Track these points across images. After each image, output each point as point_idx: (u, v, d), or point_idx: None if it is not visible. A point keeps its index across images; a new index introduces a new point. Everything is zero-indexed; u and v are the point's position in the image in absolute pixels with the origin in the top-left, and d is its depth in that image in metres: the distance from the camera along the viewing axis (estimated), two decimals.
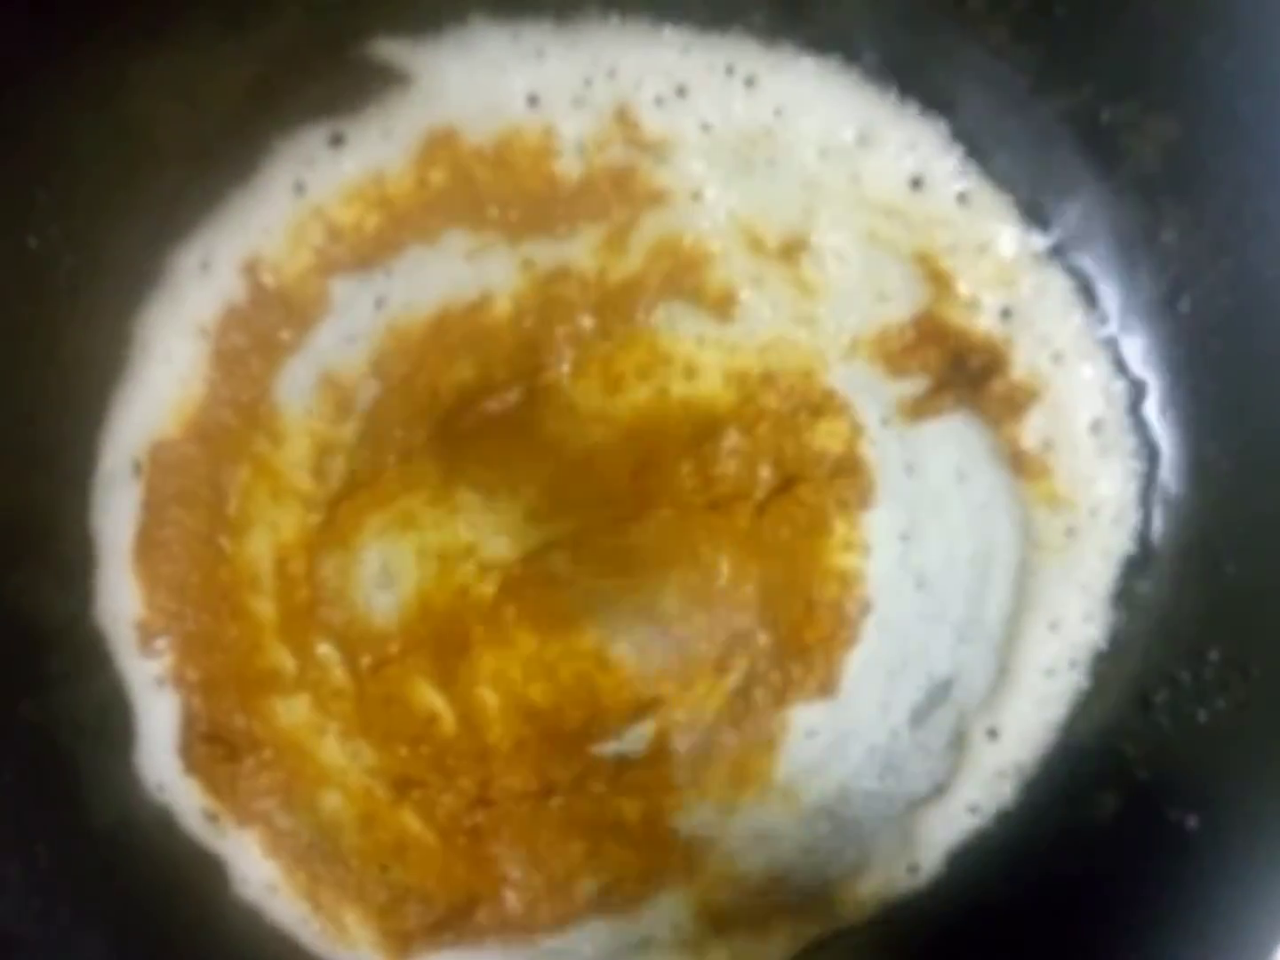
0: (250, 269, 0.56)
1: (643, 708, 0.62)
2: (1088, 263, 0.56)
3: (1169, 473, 0.58)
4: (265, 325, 0.57)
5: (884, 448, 0.60)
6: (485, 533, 0.60)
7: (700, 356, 0.58)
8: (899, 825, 0.63)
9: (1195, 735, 0.58)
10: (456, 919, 0.64)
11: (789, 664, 0.62)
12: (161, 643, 0.60)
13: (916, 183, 0.54)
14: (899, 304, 0.56)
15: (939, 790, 0.63)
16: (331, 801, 0.63)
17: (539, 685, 0.62)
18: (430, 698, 0.62)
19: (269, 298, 0.56)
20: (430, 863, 0.63)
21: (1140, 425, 0.58)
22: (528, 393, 0.59)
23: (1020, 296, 0.56)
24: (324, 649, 0.61)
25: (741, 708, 0.62)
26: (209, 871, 0.62)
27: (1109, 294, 0.56)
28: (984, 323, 0.56)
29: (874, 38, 0.53)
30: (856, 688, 0.62)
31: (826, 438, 0.59)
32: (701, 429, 0.59)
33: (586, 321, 0.58)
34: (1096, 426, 0.58)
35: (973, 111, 0.54)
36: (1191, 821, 0.58)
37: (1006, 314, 0.56)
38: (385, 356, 0.58)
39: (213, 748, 0.61)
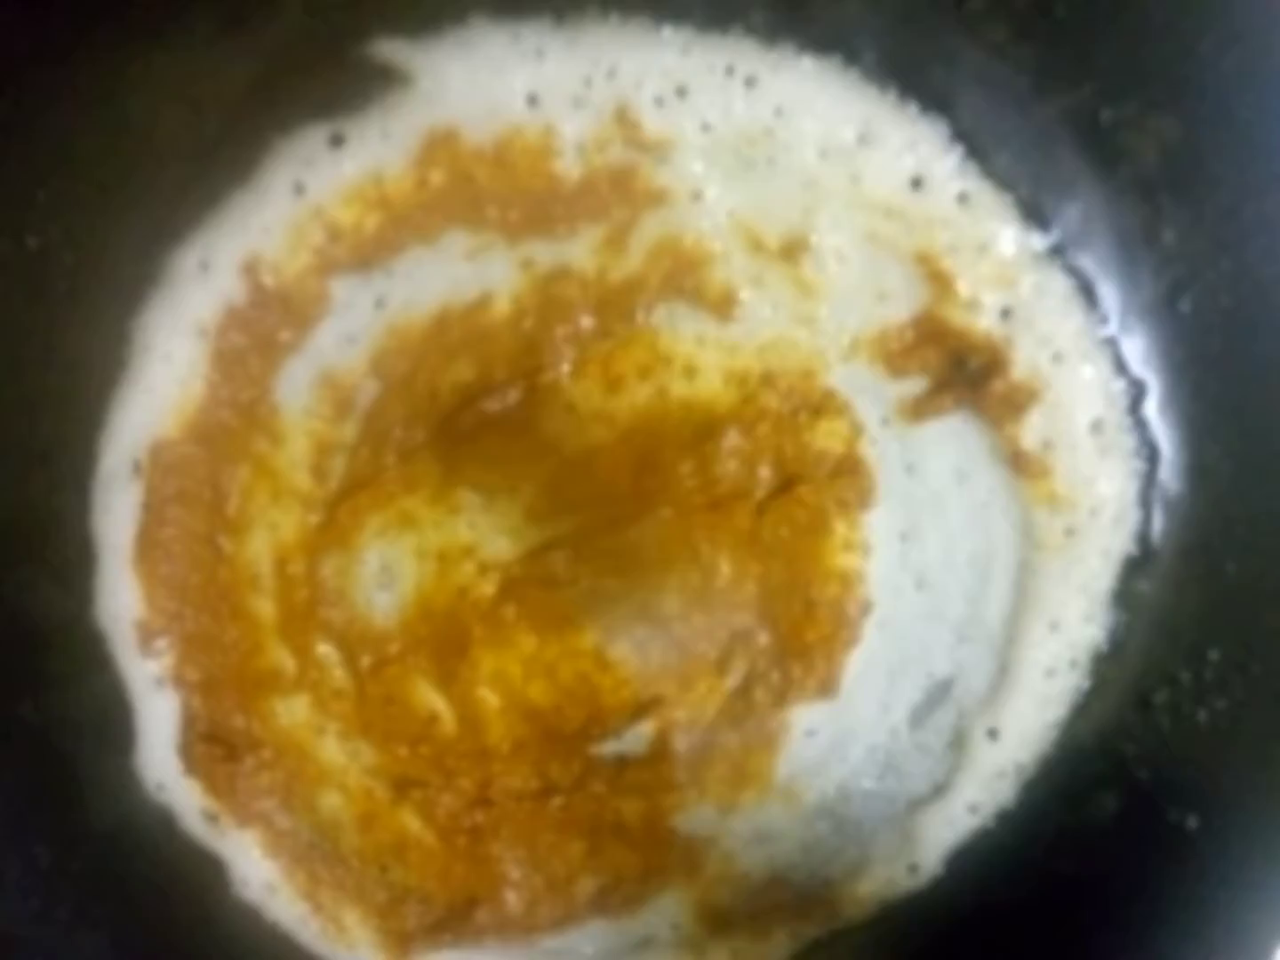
0: (250, 269, 0.56)
1: (643, 708, 0.62)
2: (1088, 263, 0.56)
3: (1169, 473, 0.58)
4: (265, 325, 0.57)
5: (884, 448, 0.60)
6: (485, 533, 0.60)
7: (700, 356, 0.58)
8: (899, 825, 0.63)
9: (1195, 735, 0.58)
10: (456, 919, 0.64)
11: (789, 664, 0.62)
12: (161, 643, 0.60)
13: (917, 183, 0.54)
14: (899, 304, 0.56)
15: (939, 790, 0.63)
16: (331, 802, 0.63)
17: (539, 685, 0.62)
18: (430, 698, 0.62)
19: (269, 298, 0.56)
20: (430, 863, 0.63)
21: (1140, 425, 0.58)
22: (527, 393, 0.59)
23: (1020, 296, 0.56)
24: (324, 649, 0.61)
25: (742, 708, 0.62)
26: (209, 872, 0.62)
27: (1109, 294, 0.56)
28: (984, 323, 0.56)
29: (874, 38, 0.53)
30: (856, 688, 0.62)
31: (826, 438, 0.59)
32: (701, 429, 0.59)
33: (586, 321, 0.58)
34: (1096, 426, 0.58)
35: (973, 111, 0.54)
36: (1191, 821, 0.58)
37: (1006, 314, 0.56)
38: (385, 356, 0.58)
39: (212, 748, 0.61)
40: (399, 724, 0.62)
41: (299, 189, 0.54)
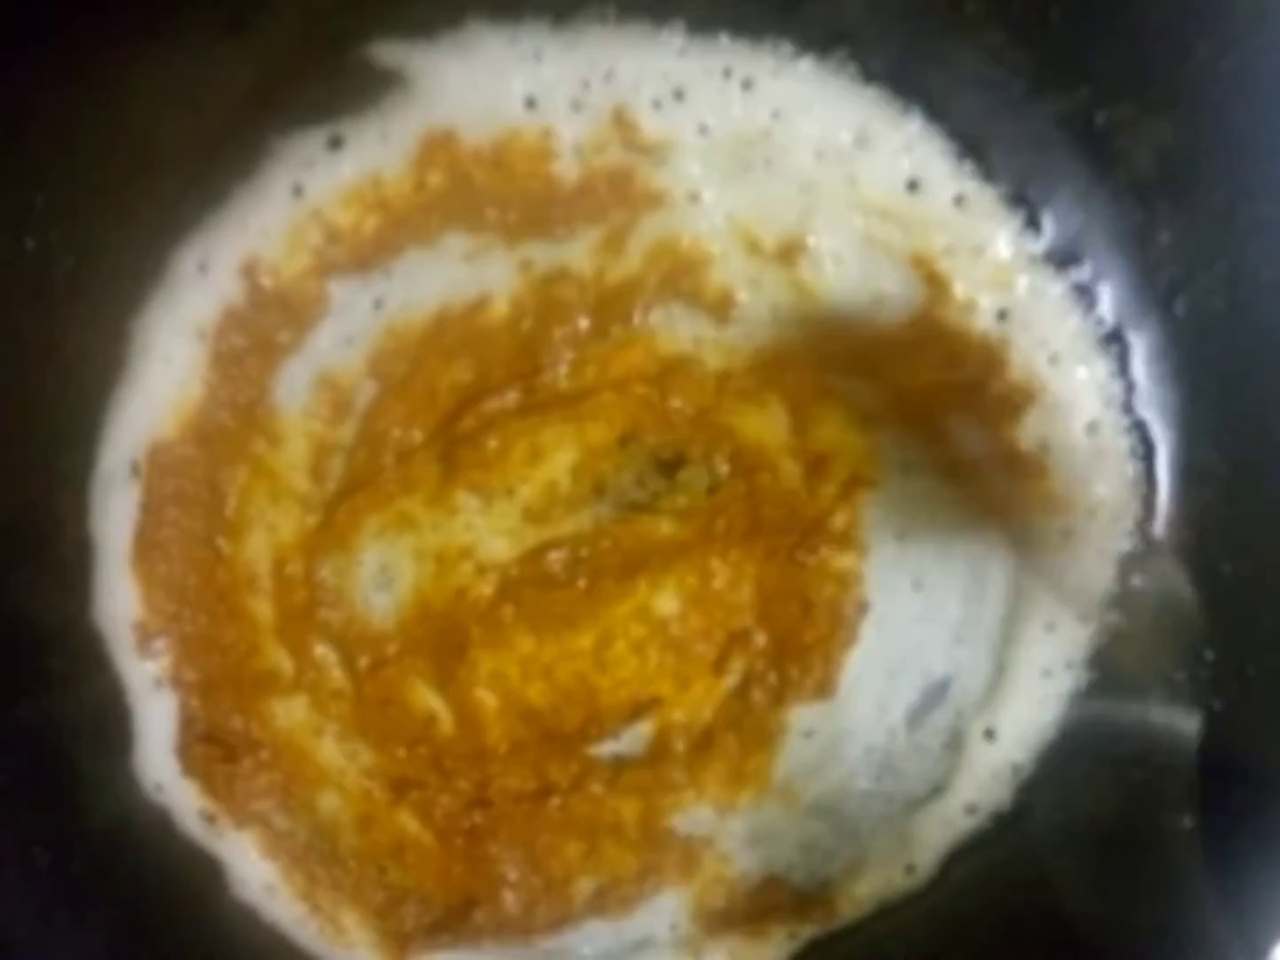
0: (249, 271, 0.56)
1: (640, 708, 0.62)
2: (1084, 265, 0.56)
3: (1165, 474, 0.58)
4: (264, 327, 0.57)
5: (881, 449, 0.60)
6: (483, 534, 0.60)
7: (698, 357, 0.58)
8: (896, 825, 0.63)
9: (1192, 735, 0.59)
10: (454, 919, 0.63)
11: (787, 665, 0.62)
12: (159, 644, 0.60)
13: (913, 185, 0.54)
14: (896, 306, 0.56)
15: (936, 791, 0.63)
16: (329, 802, 0.63)
17: (537, 686, 0.62)
18: (428, 699, 0.62)
19: (267, 299, 0.56)
20: (428, 863, 0.63)
21: (1136, 426, 0.58)
22: (526, 393, 0.59)
23: (1017, 298, 0.56)
24: (322, 650, 0.61)
25: (739, 708, 0.62)
26: (207, 872, 0.62)
27: (1105, 296, 0.56)
28: (981, 324, 0.56)
29: (871, 41, 0.53)
30: (854, 688, 0.62)
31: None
32: None
33: (584, 323, 0.58)
34: (1093, 428, 0.58)
35: (969, 114, 0.54)
36: (1188, 821, 0.58)
37: (1003, 316, 0.56)
38: (383, 358, 0.58)
39: (211, 749, 0.61)
40: (397, 725, 0.62)
41: (298, 191, 0.55)
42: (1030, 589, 0.60)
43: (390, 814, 0.62)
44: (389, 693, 0.61)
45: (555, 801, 0.62)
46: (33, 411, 0.56)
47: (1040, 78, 0.54)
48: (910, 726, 0.62)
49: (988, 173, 0.55)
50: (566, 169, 0.55)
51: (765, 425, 0.59)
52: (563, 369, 0.58)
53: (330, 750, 0.62)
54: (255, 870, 0.63)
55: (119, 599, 0.59)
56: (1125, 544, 0.59)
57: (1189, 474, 0.58)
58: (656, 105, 0.54)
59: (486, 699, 0.61)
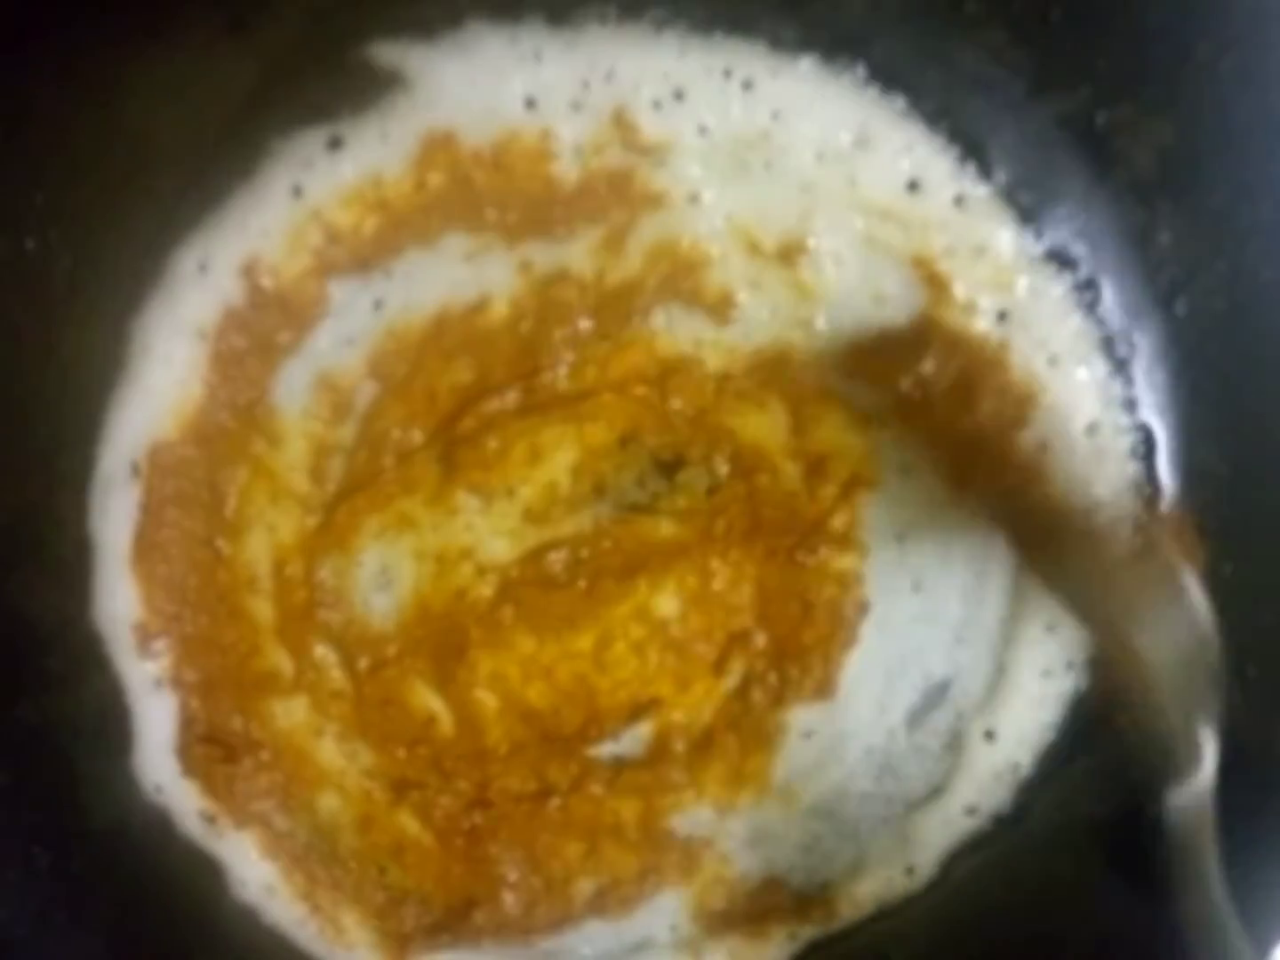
0: (249, 271, 0.56)
1: (640, 709, 0.62)
2: (1084, 265, 0.56)
3: (1165, 475, 0.58)
4: (263, 327, 0.57)
5: (881, 449, 0.60)
6: (483, 534, 0.60)
7: (698, 358, 0.58)
8: (896, 826, 0.63)
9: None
10: (454, 920, 0.63)
11: (787, 665, 0.62)
12: (159, 644, 0.60)
13: (913, 186, 0.54)
14: (896, 307, 0.56)
15: (936, 791, 0.63)
16: (329, 803, 0.63)
17: (537, 687, 0.62)
18: (428, 699, 0.62)
19: (267, 300, 0.56)
20: (428, 864, 0.63)
21: (1136, 427, 0.58)
22: (526, 394, 0.59)
23: (1017, 299, 0.56)
24: (322, 651, 0.61)
25: (739, 709, 0.62)
26: (207, 873, 0.62)
27: (1106, 296, 0.56)
28: (981, 325, 0.56)
29: (871, 41, 0.53)
30: (854, 689, 0.62)
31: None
32: None
33: (584, 324, 0.58)
34: (1093, 429, 0.58)
35: (970, 115, 0.54)
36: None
37: (1003, 316, 0.56)
38: (383, 358, 0.58)
39: (211, 749, 0.61)
40: (397, 725, 0.62)
41: (298, 191, 0.55)
42: (1030, 589, 0.60)
43: (390, 815, 0.62)
44: (389, 693, 0.61)
45: (555, 802, 0.62)
46: (32, 411, 0.56)
47: (1040, 78, 0.54)
48: (910, 727, 0.62)
49: (988, 173, 0.55)
50: (566, 170, 0.55)
51: (765, 426, 0.59)
52: (563, 370, 0.58)
53: (330, 751, 0.62)
54: (255, 871, 0.63)
55: (119, 599, 0.59)
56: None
57: (1189, 474, 0.58)
58: (656, 106, 0.54)
59: (486, 700, 0.61)
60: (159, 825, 0.61)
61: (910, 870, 0.64)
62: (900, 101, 0.54)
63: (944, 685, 0.62)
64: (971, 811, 0.63)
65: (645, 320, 0.58)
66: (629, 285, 0.57)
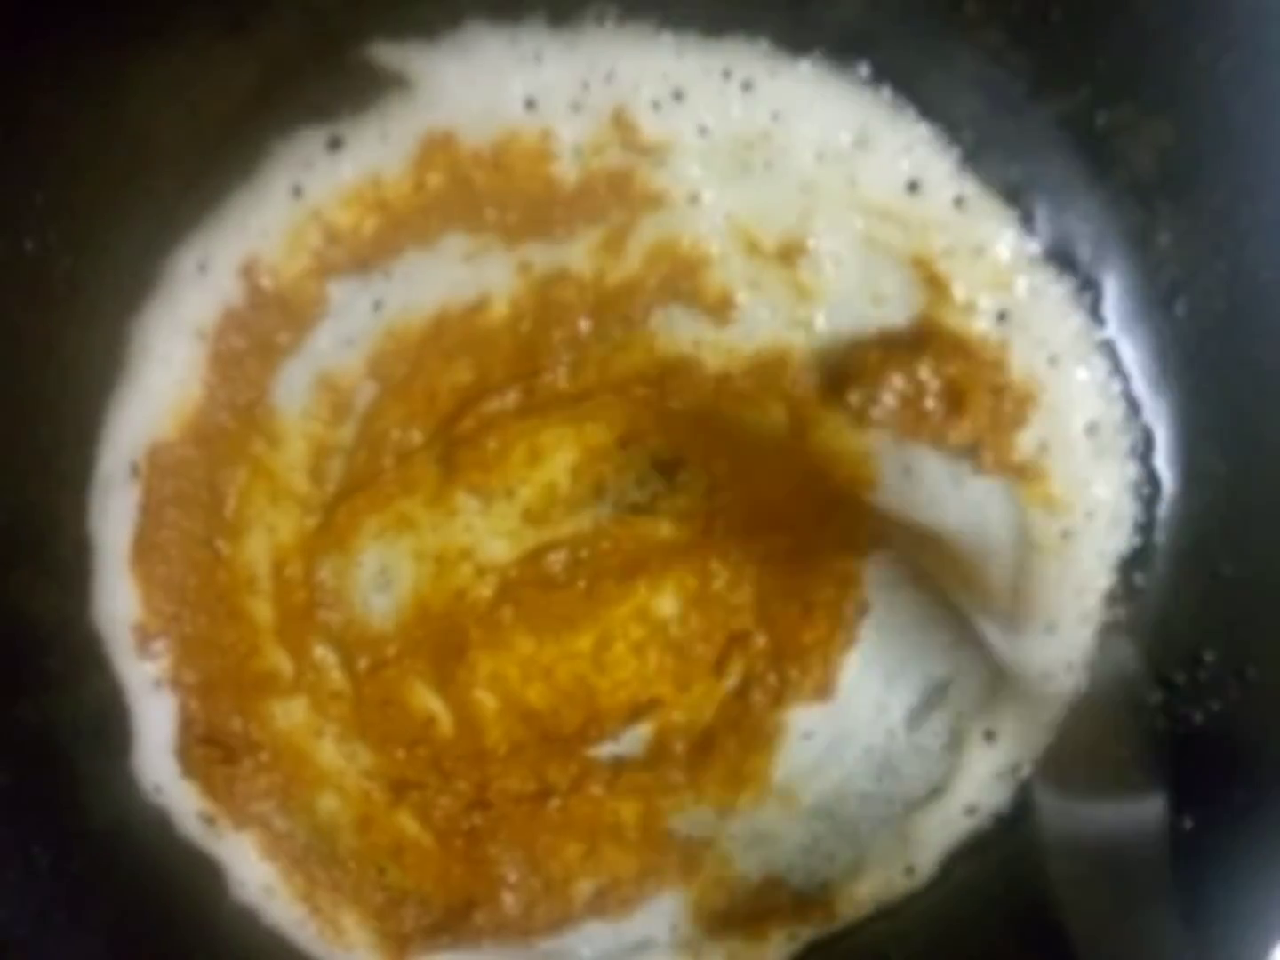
0: (248, 271, 0.56)
1: (640, 710, 0.62)
2: (1084, 266, 0.56)
3: (1165, 475, 0.58)
4: (263, 327, 0.57)
5: (881, 449, 0.60)
6: (482, 535, 0.60)
7: (697, 359, 0.58)
8: (896, 827, 0.63)
9: (1191, 737, 0.59)
10: (454, 921, 0.63)
11: (786, 666, 0.62)
12: (159, 645, 0.60)
13: (913, 186, 0.54)
14: (895, 307, 0.56)
15: (936, 792, 0.63)
16: (329, 804, 0.63)
17: (536, 687, 0.62)
18: (427, 700, 0.62)
19: (267, 300, 0.56)
20: (428, 865, 0.63)
21: (1136, 427, 0.58)
22: (525, 395, 0.59)
23: (1016, 299, 0.56)
24: (321, 651, 0.61)
25: (739, 709, 0.62)
26: (206, 874, 0.62)
27: (1105, 297, 0.56)
28: (980, 326, 0.56)
29: (871, 42, 0.53)
30: (854, 690, 0.62)
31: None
32: None
33: (584, 324, 0.58)
34: (1092, 429, 0.58)
35: (969, 115, 0.54)
36: (1187, 822, 0.58)
37: (1003, 317, 0.56)
38: (383, 359, 0.58)
39: (210, 750, 0.61)
40: (396, 726, 0.62)
41: (297, 191, 0.55)
42: (1029, 590, 0.60)
43: (390, 815, 0.62)
44: (388, 694, 0.61)
45: (555, 803, 0.62)
46: (32, 412, 0.56)
47: (1040, 78, 0.54)
48: (910, 728, 0.62)
49: (988, 173, 0.55)
50: (566, 170, 0.55)
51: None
52: (562, 370, 0.58)
53: (330, 751, 0.62)
54: (255, 871, 0.63)
55: (118, 600, 0.59)
56: (1124, 545, 0.59)
57: (1189, 475, 0.58)
58: (656, 106, 0.54)
59: (486, 700, 0.62)
60: (159, 826, 0.61)
61: (910, 870, 0.64)
62: (900, 102, 0.54)
63: (943, 686, 0.62)
64: (971, 811, 0.63)
65: (645, 320, 0.58)
66: (629, 285, 0.57)
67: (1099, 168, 0.54)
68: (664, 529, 0.60)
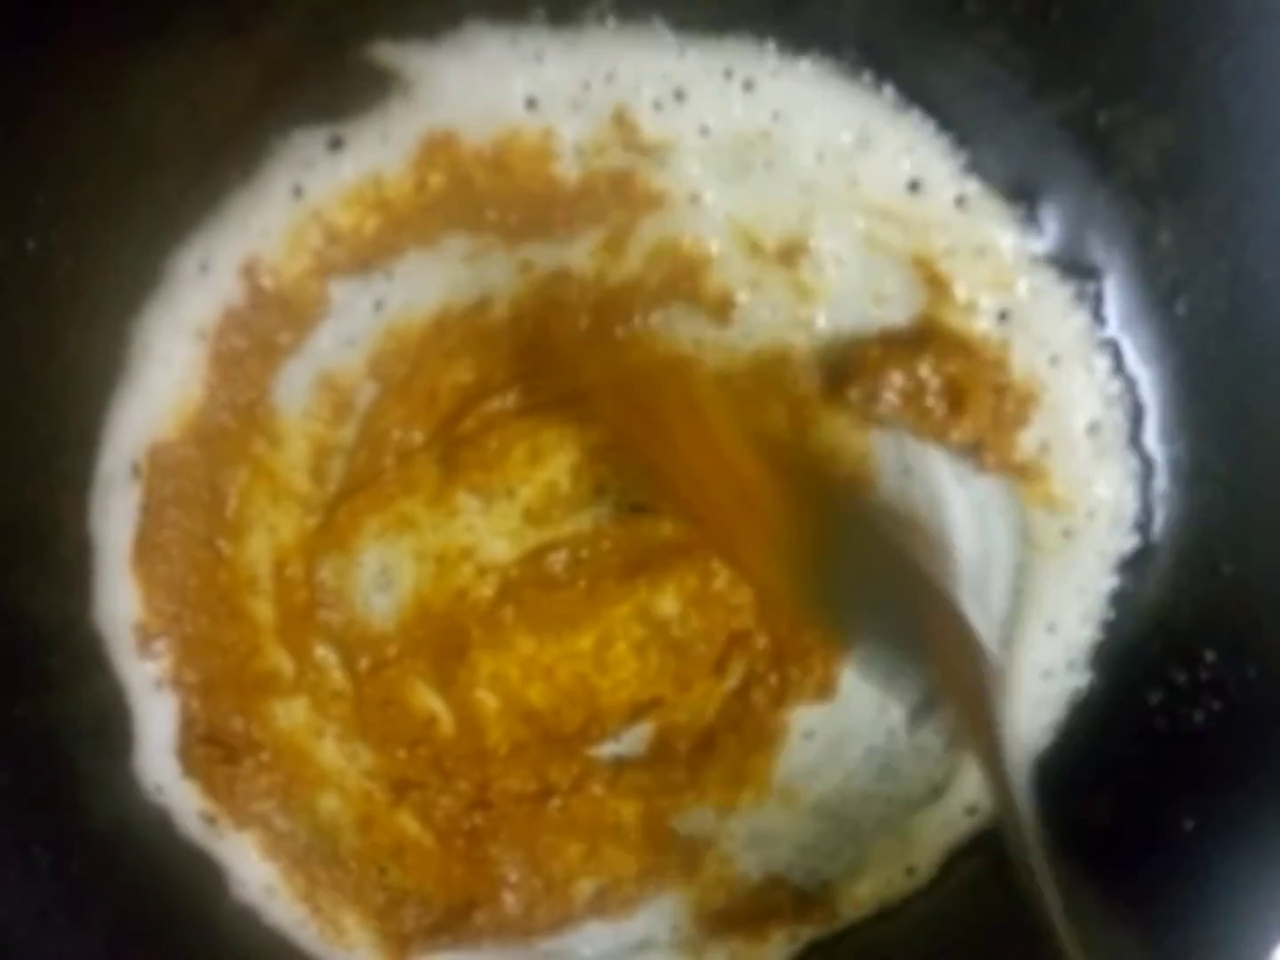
0: (249, 271, 0.56)
1: (641, 709, 0.62)
2: (1085, 265, 0.56)
3: (1166, 475, 0.58)
4: (264, 327, 0.57)
5: (881, 449, 0.60)
6: (483, 535, 0.60)
7: (698, 358, 0.58)
8: (897, 827, 0.63)
9: (1191, 736, 0.59)
10: (455, 921, 0.63)
11: (787, 666, 0.62)
12: (160, 645, 0.60)
13: (914, 186, 0.54)
14: (897, 307, 0.56)
15: (936, 792, 0.63)
16: (330, 803, 0.63)
17: (537, 687, 0.62)
18: (428, 700, 0.62)
19: (268, 300, 0.56)
20: (428, 865, 0.63)
21: (1137, 427, 0.58)
22: (526, 395, 0.59)
23: (1018, 299, 0.56)
24: (322, 651, 0.61)
25: (740, 709, 0.62)
26: (207, 874, 0.62)
27: (1106, 296, 0.56)
28: (982, 325, 0.56)
29: (872, 41, 0.53)
30: (854, 689, 0.62)
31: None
32: None
33: (584, 324, 0.58)
34: (1094, 429, 0.58)
35: (970, 114, 0.54)
36: (1188, 823, 0.58)
37: (1004, 317, 0.56)
38: (384, 359, 0.58)
39: (211, 750, 0.61)
40: (397, 726, 0.62)
41: (298, 191, 0.55)
42: (1031, 590, 0.60)
43: (391, 815, 0.62)
44: (389, 694, 0.61)
45: (556, 802, 0.62)
46: (33, 412, 0.56)
47: (1041, 78, 0.54)
48: (910, 728, 0.62)
49: (989, 173, 0.55)
50: (567, 170, 0.55)
51: (765, 426, 0.59)
52: (562, 370, 0.58)
53: (331, 751, 0.62)
54: (255, 871, 0.63)
55: (119, 600, 0.59)
56: (1125, 545, 0.59)
57: (1189, 474, 0.58)
58: (657, 106, 0.54)
59: (487, 700, 0.61)
60: (159, 826, 0.61)
61: (910, 870, 0.64)
62: (901, 101, 0.54)
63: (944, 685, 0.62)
64: (971, 811, 0.63)
65: (646, 321, 0.58)
66: (629, 285, 0.57)
67: (1100, 167, 0.54)
68: (664, 529, 0.60)
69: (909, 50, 0.54)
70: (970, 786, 0.63)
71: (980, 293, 0.56)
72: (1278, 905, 0.57)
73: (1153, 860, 0.59)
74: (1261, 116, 0.52)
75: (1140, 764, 0.60)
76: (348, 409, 0.58)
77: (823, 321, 0.57)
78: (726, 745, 0.62)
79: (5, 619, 0.57)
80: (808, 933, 0.65)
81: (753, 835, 0.63)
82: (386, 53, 0.53)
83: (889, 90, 0.54)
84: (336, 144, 0.54)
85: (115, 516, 0.58)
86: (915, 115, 0.54)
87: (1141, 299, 0.56)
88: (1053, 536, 0.59)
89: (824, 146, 0.54)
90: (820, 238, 0.55)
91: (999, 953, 0.62)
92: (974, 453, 0.58)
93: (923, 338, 0.56)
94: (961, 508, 0.60)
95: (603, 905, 0.63)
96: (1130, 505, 0.58)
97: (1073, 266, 0.56)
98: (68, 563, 0.58)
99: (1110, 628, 0.60)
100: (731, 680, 0.62)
